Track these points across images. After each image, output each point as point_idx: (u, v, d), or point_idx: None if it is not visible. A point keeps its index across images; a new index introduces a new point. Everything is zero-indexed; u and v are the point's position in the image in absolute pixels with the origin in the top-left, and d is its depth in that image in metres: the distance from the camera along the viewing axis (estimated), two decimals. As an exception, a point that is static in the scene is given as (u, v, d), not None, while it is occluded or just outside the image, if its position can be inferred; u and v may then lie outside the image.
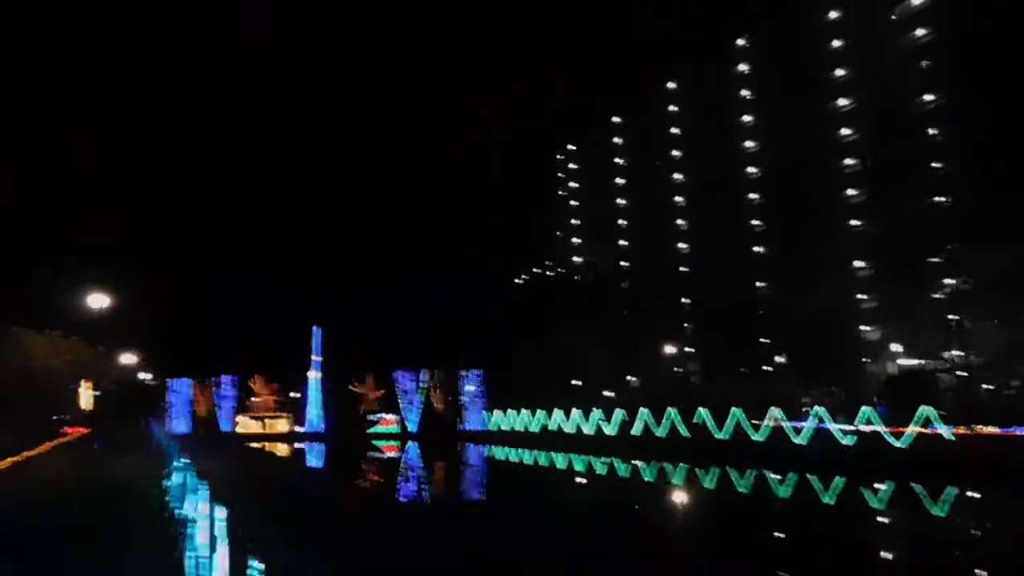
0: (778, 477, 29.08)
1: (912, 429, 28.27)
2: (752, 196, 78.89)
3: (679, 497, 28.91)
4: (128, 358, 67.66)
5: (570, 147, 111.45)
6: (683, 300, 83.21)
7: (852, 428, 31.29)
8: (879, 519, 22.51)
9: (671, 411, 39.04)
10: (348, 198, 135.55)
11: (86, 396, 64.17)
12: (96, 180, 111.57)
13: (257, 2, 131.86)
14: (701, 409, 37.72)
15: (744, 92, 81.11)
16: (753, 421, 35.64)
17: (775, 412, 35.41)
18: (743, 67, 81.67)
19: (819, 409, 33.29)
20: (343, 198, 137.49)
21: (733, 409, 35.71)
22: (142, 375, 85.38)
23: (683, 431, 38.11)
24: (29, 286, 47.47)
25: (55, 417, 58.06)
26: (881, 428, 29.43)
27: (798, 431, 32.79)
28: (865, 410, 31.52)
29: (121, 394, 75.25)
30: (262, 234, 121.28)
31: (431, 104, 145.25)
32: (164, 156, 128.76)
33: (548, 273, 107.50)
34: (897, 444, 28.25)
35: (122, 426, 57.91)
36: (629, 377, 77.52)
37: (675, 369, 76.59)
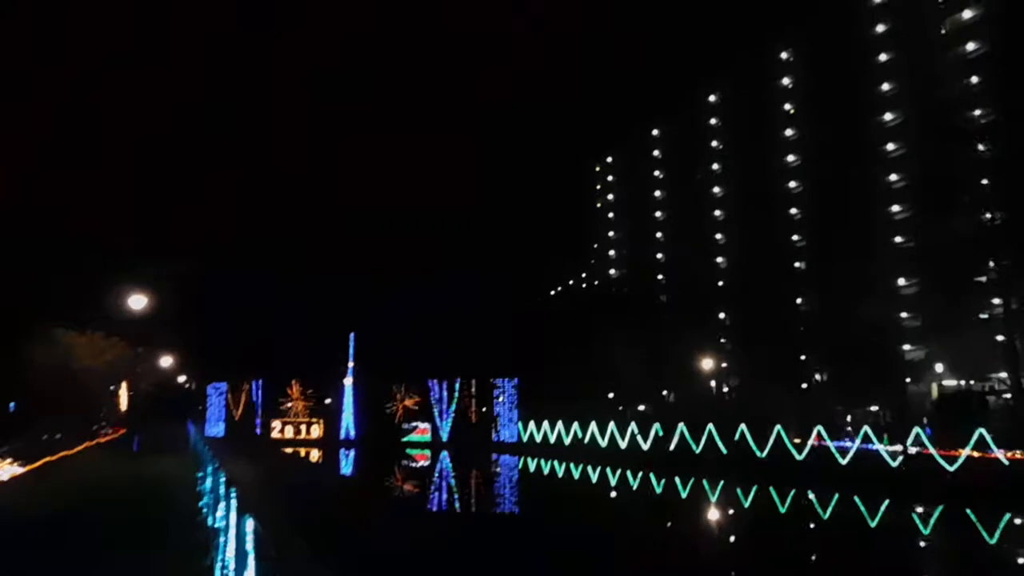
0: (825, 499, 28.14)
1: (965, 452, 27.23)
2: (794, 210, 77.77)
3: (726, 516, 28.14)
4: (166, 360, 68.46)
5: (608, 159, 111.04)
6: (721, 315, 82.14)
7: (899, 449, 30.28)
8: (942, 546, 21.71)
9: (710, 427, 38.18)
10: (386, 206, 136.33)
11: (125, 397, 65.00)
12: (137, 183, 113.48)
13: None
14: (742, 426, 36.81)
15: (786, 105, 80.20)
16: (795, 440, 34.73)
17: (819, 430, 34.48)
18: (786, 80, 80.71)
19: (866, 428, 32.26)
20: (381, 205, 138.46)
21: (777, 427, 34.79)
22: (180, 378, 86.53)
23: (722, 447, 37.22)
24: (71, 286, 48.09)
25: (93, 418, 58.81)
26: (932, 450, 28.41)
27: (842, 451, 31.84)
28: (916, 430, 30.52)
29: (159, 396, 76.20)
30: (299, 241, 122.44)
31: (470, 114, 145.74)
32: (199, 161, 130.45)
33: (584, 285, 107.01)
34: (950, 468, 27.19)
35: (159, 428, 58.46)
36: (665, 392, 76.56)
37: (711, 384, 75.45)
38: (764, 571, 17.31)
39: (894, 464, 29.42)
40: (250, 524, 5.48)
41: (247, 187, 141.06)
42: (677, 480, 35.30)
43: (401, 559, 13.92)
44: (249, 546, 5.49)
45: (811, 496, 29.03)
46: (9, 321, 43.18)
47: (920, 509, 26.27)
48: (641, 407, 70.68)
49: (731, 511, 29.16)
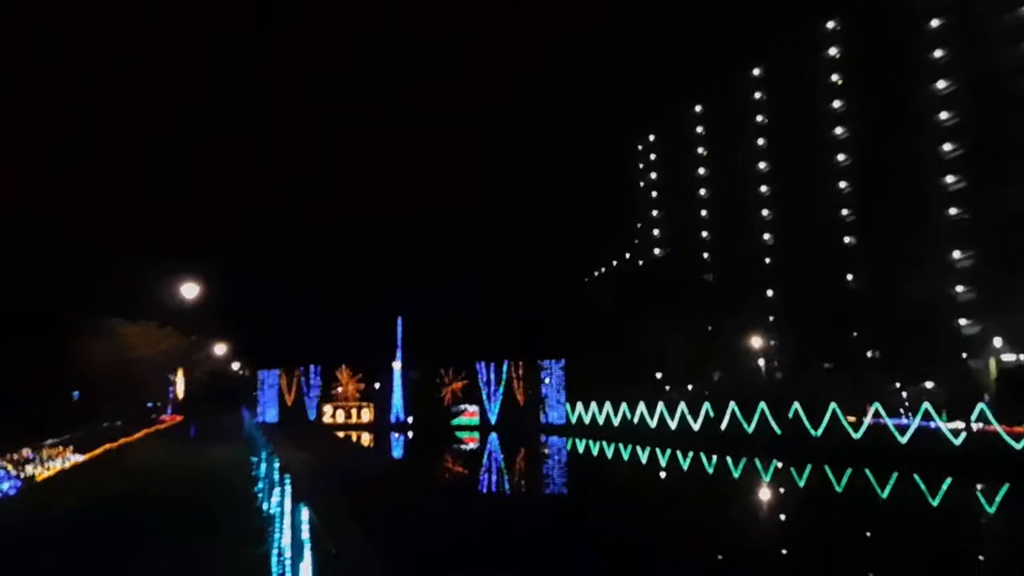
0: (885, 478, 27.42)
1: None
2: (842, 184, 76.08)
3: (784, 497, 27.64)
4: (220, 348, 69.93)
5: (650, 137, 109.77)
6: (769, 293, 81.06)
7: (961, 426, 29.44)
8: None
9: (762, 406, 37.69)
10: (431, 190, 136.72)
11: (181, 385, 66.60)
12: (187, 172, 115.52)
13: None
14: (796, 404, 36.27)
15: (833, 76, 78.25)
16: (849, 419, 34.13)
17: (876, 407, 33.81)
18: (832, 50, 78.72)
19: (926, 405, 31.45)
20: (426, 189, 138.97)
21: (832, 405, 34.20)
22: (234, 365, 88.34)
23: (775, 427, 36.68)
24: (123, 275, 49.32)
25: (150, 405, 60.39)
26: (997, 427, 27.58)
27: (901, 429, 31.14)
28: (980, 406, 29.72)
29: (213, 383, 77.89)
30: (346, 226, 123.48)
31: (511, 91, 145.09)
32: (238, 150, 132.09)
33: (627, 265, 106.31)
34: (1016, 446, 26.30)
35: (214, 414, 59.82)
36: (711, 372, 75.87)
37: (759, 364, 74.65)
38: (829, 555, 17.09)
39: (956, 442, 28.63)
40: (304, 513, 5.58)
41: (300, 174, 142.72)
42: (729, 460, 35.00)
43: (449, 546, 14.08)
44: (304, 535, 5.61)
45: (869, 476, 28.28)
46: (67, 314, 44.50)
47: (987, 488, 25.62)
48: (688, 387, 70.19)
49: (787, 491, 28.62)
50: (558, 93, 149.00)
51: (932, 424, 30.59)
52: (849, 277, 72.99)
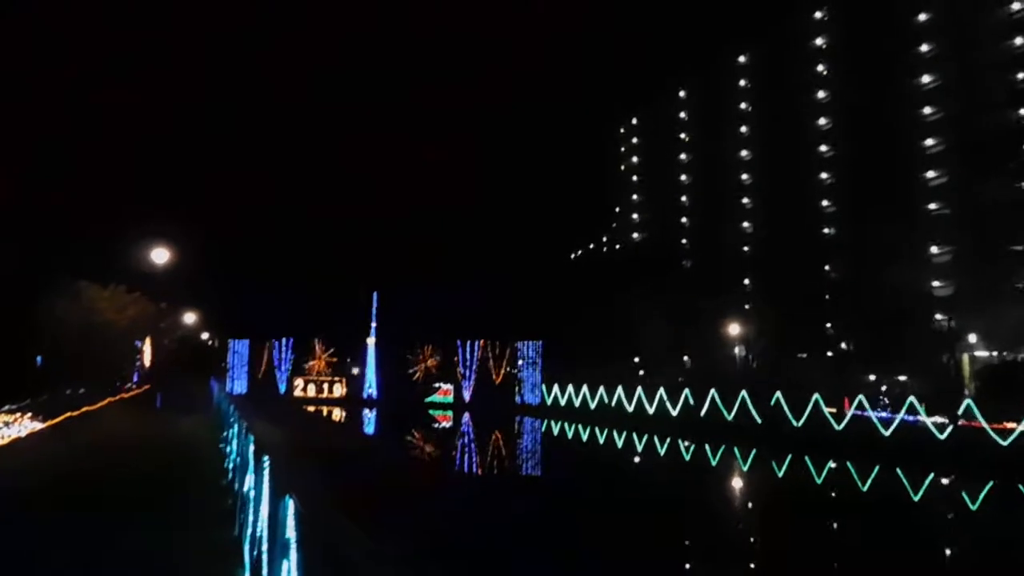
0: (869, 471, 27.11)
1: (1021, 427, 25.99)
2: (824, 175, 75.90)
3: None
4: (190, 317, 68.34)
5: (633, 121, 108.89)
6: (746, 281, 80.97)
7: (944, 421, 29.12)
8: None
9: (743, 394, 37.26)
10: (410, 169, 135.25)
11: (149, 353, 64.98)
12: (160, 139, 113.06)
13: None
14: (778, 393, 35.83)
15: (819, 66, 77.78)
16: (829, 409, 33.80)
17: (860, 399, 33.40)
18: (819, 40, 78.19)
19: (912, 399, 31.12)
20: (405, 168, 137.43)
21: (815, 396, 33.81)
22: (203, 335, 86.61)
23: (756, 416, 36.26)
24: (92, 238, 47.78)
25: (117, 374, 58.84)
26: (984, 423, 27.27)
27: (884, 423, 30.75)
28: (967, 402, 29.48)
29: (182, 352, 76.26)
30: (323, 199, 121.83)
31: (493, 73, 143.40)
32: (225, 121, 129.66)
33: (605, 249, 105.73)
34: (1003, 442, 25.98)
35: (182, 384, 58.41)
36: (686, 358, 75.69)
37: (735, 351, 74.60)
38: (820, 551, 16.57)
39: (942, 436, 28.30)
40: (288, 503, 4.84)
41: (276, 145, 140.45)
42: (708, 448, 34.59)
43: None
44: (276, 517, 4.88)
45: (852, 469, 28.00)
46: (33, 274, 42.98)
47: (973, 484, 25.36)
48: (663, 373, 69.95)
49: (772, 483, 28.00)
50: (545, 80, 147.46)
51: (913, 418, 30.27)
52: (827, 268, 72.99)
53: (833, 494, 25.15)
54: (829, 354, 66.09)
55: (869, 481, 26.46)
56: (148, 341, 63.54)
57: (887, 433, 30.14)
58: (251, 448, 9.28)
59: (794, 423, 34.05)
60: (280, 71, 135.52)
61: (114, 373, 55.56)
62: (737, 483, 28.19)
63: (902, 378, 57.21)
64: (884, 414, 32.46)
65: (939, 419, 29.62)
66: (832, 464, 28.98)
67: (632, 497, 22.85)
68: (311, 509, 4.35)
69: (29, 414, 24.72)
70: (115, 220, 50.98)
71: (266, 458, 6.92)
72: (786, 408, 34.62)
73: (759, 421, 35.97)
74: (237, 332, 74.72)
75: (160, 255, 34.04)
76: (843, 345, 67.93)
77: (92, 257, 47.57)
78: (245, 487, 9.19)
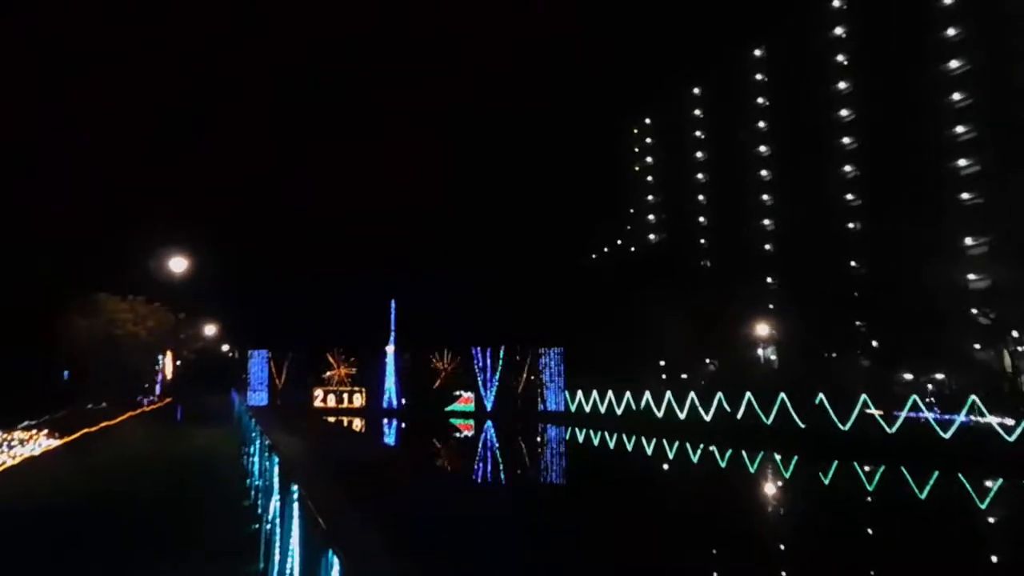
0: (927, 477, 25.36)
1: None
2: (847, 168, 74.12)
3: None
4: (210, 329, 67.76)
5: (646, 120, 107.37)
6: (768, 279, 79.30)
7: (1009, 422, 27.17)
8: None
9: (782, 396, 35.63)
10: (424, 175, 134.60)
11: (170, 366, 64.41)
12: (184, 150, 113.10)
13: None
14: (820, 395, 34.13)
15: (839, 56, 76.00)
16: (867, 411, 32.30)
17: (914, 399, 31.67)
18: (838, 29, 76.47)
19: (974, 397, 29.35)
20: (420, 175, 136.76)
21: (863, 396, 32.17)
22: (223, 347, 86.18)
23: (797, 420, 34.75)
24: (112, 249, 47.31)
25: (138, 387, 58.32)
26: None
27: (942, 424, 28.84)
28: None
29: (202, 364, 75.70)
30: (340, 209, 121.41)
31: (494, 74, 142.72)
32: (240, 131, 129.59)
33: (620, 251, 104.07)
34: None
35: (202, 396, 57.74)
36: (709, 360, 74.10)
37: (759, 353, 73.03)
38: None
39: (1011, 439, 26.45)
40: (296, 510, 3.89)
41: (297, 156, 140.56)
42: (746, 455, 32.83)
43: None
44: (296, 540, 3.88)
45: (905, 474, 26.05)
46: (53, 287, 42.52)
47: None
48: (683, 376, 68.50)
49: (838, 492, 26.00)
50: (555, 80, 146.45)
51: (968, 418, 28.48)
52: (854, 264, 71.24)
53: (902, 504, 22.85)
54: (858, 352, 64.34)
55: (927, 488, 24.83)
56: (169, 354, 62.99)
57: (946, 436, 28.27)
58: (275, 470, 8.32)
59: (840, 426, 32.48)
60: (319, 73, 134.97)
61: (135, 387, 55.03)
62: (794, 494, 26.09)
63: (939, 376, 55.53)
64: (936, 415, 30.80)
65: (1002, 419, 27.74)
66: (885, 470, 27.31)
67: (696, 512, 21.27)
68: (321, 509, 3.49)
69: (46, 431, 23.94)
70: (133, 230, 50.41)
71: (295, 488, 5.93)
72: (831, 411, 32.93)
73: (802, 425, 34.27)
74: (256, 343, 74.12)
75: (178, 264, 33.30)
76: (874, 343, 66.18)
77: (111, 268, 47.07)
78: (269, 514, 8.22)
